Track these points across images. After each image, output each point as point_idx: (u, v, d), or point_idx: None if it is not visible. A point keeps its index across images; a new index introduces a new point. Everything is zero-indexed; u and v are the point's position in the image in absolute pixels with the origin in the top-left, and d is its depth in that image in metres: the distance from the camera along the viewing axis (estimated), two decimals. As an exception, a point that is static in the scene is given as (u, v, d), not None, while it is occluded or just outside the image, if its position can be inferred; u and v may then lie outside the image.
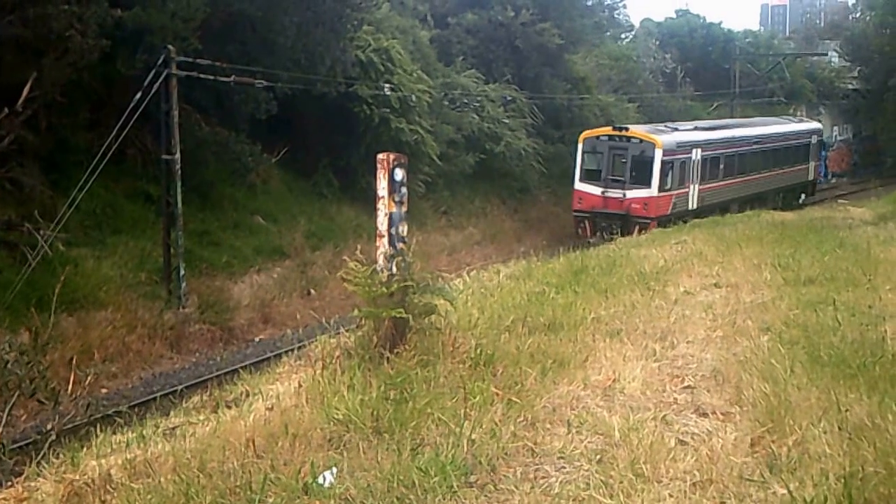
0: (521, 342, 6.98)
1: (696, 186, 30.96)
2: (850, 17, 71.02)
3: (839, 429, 4.85)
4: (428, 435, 5.08)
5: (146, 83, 18.38)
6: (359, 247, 6.76)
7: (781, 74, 54.04)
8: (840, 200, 38.01)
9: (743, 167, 34.33)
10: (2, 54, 17.65)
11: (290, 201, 25.96)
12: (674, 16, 60.61)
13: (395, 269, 6.51)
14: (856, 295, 9.06)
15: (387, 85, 26.87)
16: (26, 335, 13.27)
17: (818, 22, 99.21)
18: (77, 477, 5.17)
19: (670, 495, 4.28)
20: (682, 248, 14.29)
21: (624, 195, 28.64)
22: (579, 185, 29.73)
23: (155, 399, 14.38)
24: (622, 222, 27.29)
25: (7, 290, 15.64)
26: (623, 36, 57.92)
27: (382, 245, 6.61)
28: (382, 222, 6.60)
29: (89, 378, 10.05)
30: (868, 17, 60.82)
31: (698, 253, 13.31)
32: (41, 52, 17.73)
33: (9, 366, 9.14)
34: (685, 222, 23.43)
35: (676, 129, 32.03)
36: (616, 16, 56.63)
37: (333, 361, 6.49)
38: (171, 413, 7.30)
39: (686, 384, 6.14)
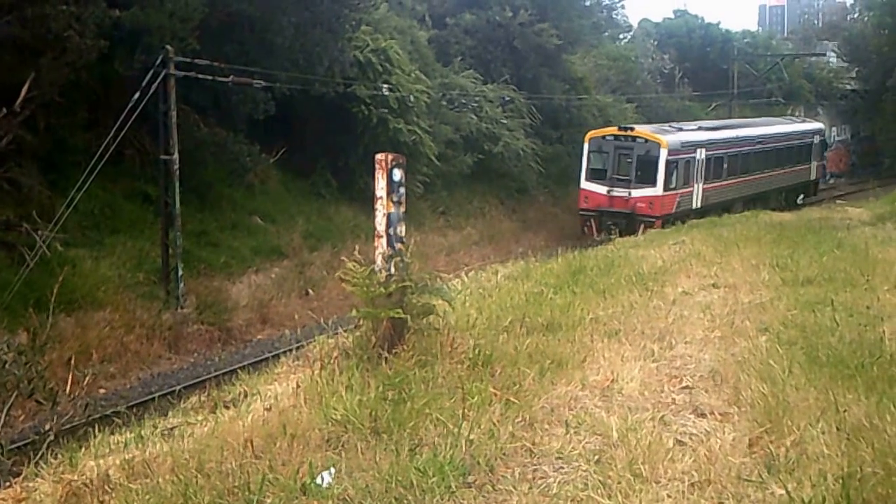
0: (520, 342, 6.98)
1: (701, 186, 31.22)
2: (848, 18, 71.15)
3: (837, 429, 4.85)
4: (426, 435, 5.08)
5: (144, 83, 18.35)
6: (357, 247, 6.78)
7: (780, 75, 54.09)
8: (838, 201, 38.09)
9: (746, 167, 34.56)
10: (0, 55, 17.63)
11: (289, 202, 25.94)
12: (672, 16, 60.76)
13: (393, 270, 6.51)
14: (854, 295, 9.07)
15: (385, 85, 26.87)
16: (24, 335, 13.25)
17: (816, 22, 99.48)
18: (75, 477, 5.17)
19: (668, 496, 4.28)
20: (681, 249, 14.30)
21: (629, 194, 28.90)
22: (585, 185, 29.98)
23: (153, 399, 14.35)
24: (627, 221, 27.52)
25: (5, 291, 15.62)
26: (621, 36, 57.96)
27: (381, 245, 6.61)
28: (381, 223, 6.61)
29: (87, 378, 10.01)
30: (866, 18, 60.89)
31: (696, 253, 13.33)
32: (39, 53, 17.70)
33: (7, 366, 9.12)
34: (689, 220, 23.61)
35: (681, 129, 32.35)
36: (614, 16, 56.67)
37: (332, 362, 6.49)
38: (170, 413, 7.30)
39: (684, 384, 6.15)
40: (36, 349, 10.83)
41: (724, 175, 32.89)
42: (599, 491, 4.32)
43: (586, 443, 4.98)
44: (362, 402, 5.47)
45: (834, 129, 57.78)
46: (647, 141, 29.19)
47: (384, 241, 6.59)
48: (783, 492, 4.18)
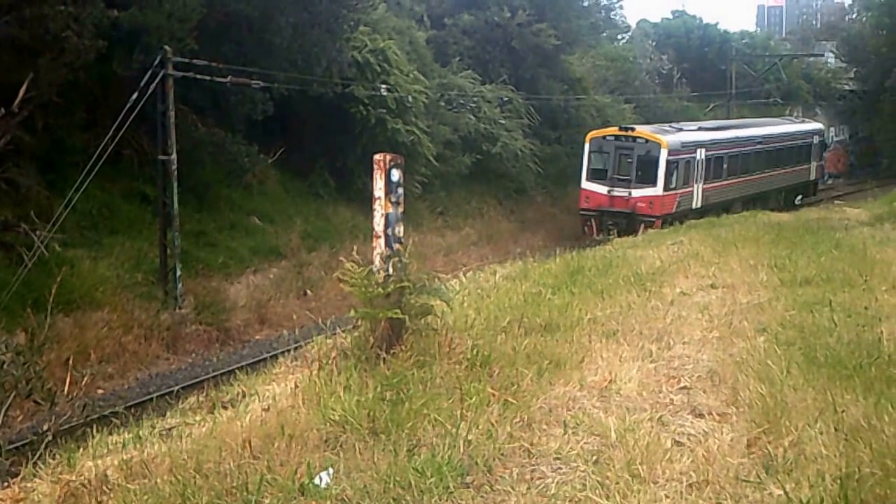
0: (518, 343, 6.98)
1: (701, 186, 31.35)
2: (847, 18, 71.25)
3: (835, 430, 4.85)
4: (424, 436, 5.08)
5: (142, 84, 18.35)
6: (355, 247, 6.77)
7: (778, 75, 54.13)
8: (836, 201, 38.12)
9: (746, 167, 34.70)
10: (-2, 55, 17.64)
11: (287, 202, 25.93)
12: (670, 17, 60.85)
13: (391, 270, 6.51)
14: (852, 296, 9.07)
15: (383, 86, 26.87)
16: (22, 336, 13.23)
17: (815, 23, 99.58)
18: (73, 477, 5.17)
19: (666, 496, 4.28)
20: (679, 249, 14.31)
21: (630, 194, 29.03)
22: (586, 185, 30.09)
23: (151, 400, 14.36)
24: (628, 221, 27.62)
25: (3, 291, 15.60)
26: (619, 37, 58.01)
27: (379, 246, 6.61)
28: (379, 223, 6.61)
29: (85, 379, 9.99)
30: (864, 18, 60.96)
31: (695, 254, 13.33)
32: (37, 53, 17.69)
33: (5, 366, 9.11)
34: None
35: (681, 130, 32.51)
36: (612, 17, 56.80)
37: (330, 362, 6.49)
38: (168, 414, 7.31)
39: (682, 385, 6.15)
40: (34, 349, 10.80)
41: (724, 175, 33.02)
42: (597, 491, 4.32)
43: (584, 443, 4.98)
44: (360, 403, 5.47)
45: (832, 129, 57.80)
46: (647, 141, 29.31)
47: (382, 241, 6.59)
48: (781, 492, 4.18)
